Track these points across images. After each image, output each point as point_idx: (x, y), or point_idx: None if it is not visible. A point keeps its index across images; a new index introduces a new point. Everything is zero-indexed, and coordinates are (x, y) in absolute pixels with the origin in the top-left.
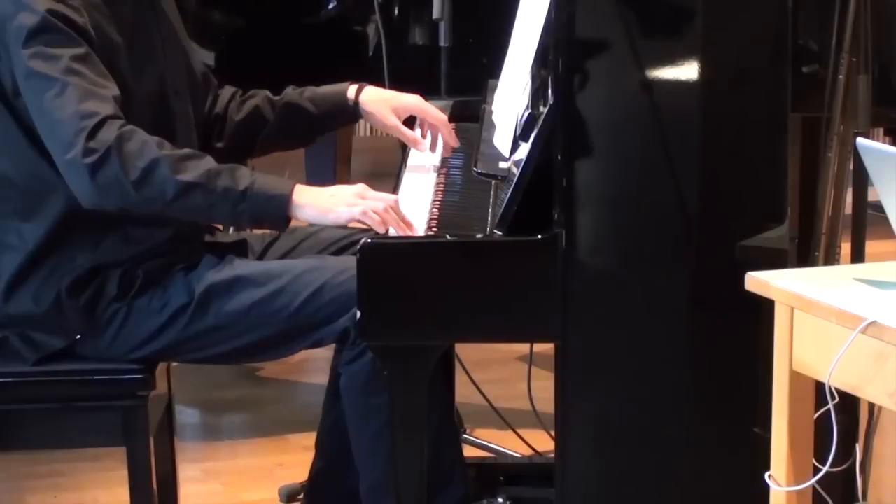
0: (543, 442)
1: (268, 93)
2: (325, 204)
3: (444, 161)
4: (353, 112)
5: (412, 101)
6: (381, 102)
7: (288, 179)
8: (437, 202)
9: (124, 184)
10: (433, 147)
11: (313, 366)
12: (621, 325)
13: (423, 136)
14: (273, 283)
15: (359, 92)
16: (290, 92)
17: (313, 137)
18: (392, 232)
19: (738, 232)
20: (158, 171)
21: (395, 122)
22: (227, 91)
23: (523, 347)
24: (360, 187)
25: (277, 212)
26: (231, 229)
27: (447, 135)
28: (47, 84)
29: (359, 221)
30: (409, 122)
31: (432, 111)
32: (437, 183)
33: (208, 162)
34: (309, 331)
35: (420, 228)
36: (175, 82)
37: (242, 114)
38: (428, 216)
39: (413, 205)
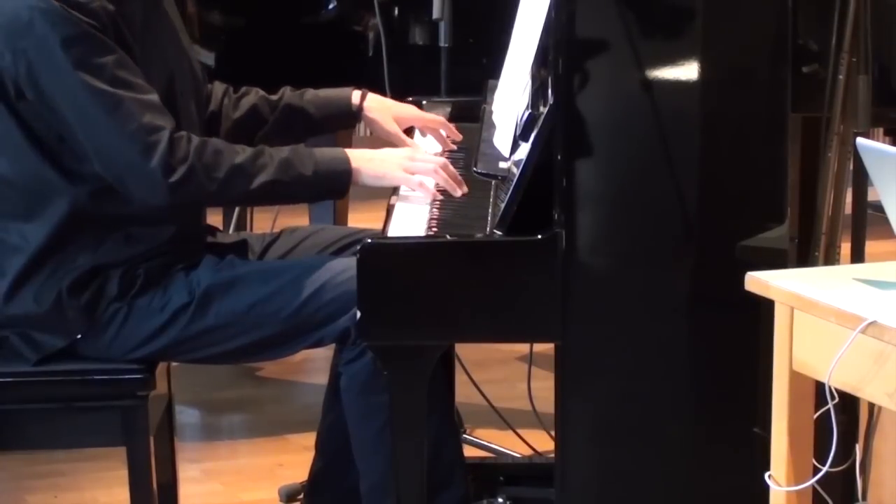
0: (543, 442)
1: (262, 91)
2: (378, 169)
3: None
4: (353, 117)
5: (412, 112)
6: (384, 110)
7: (339, 149)
8: (437, 202)
9: (203, 196)
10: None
11: (313, 366)
12: (621, 325)
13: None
14: (273, 283)
15: (363, 97)
16: (290, 93)
17: (307, 137)
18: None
19: (738, 232)
20: (236, 180)
21: (396, 130)
22: (219, 88)
23: (523, 347)
24: (409, 151)
25: (343, 185)
26: (231, 229)
27: (448, 133)
28: (101, 97)
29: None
30: (408, 132)
31: (430, 117)
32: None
33: (274, 155)
34: (309, 331)
35: (421, 228)
36: (180, 83)
37: (240, 112)
38: (428, 216)
39: (413, 205)
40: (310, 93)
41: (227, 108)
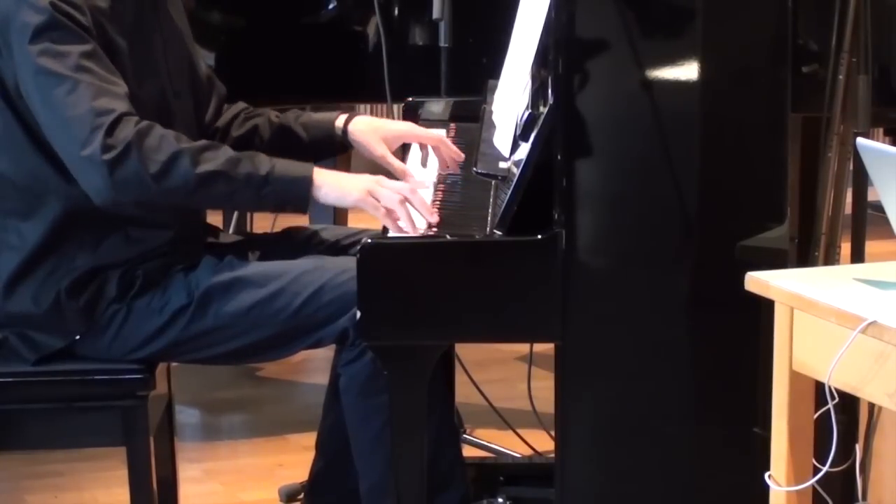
0: (543, 442)
1: (272, 113)
2: (344, 186)
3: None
4: (342, 142)
5: (403, 129)
6: (369, 132)
7: (306, 163)
8: (437, 202)
9: (144, 178)
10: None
11: (313, 366)
12: (621, 325)
13: (426, 157)
14: (273, 284)
15: (348, 121)
16: (289, 114)
17: (305, 161)
18: (404, 225)
19: (738, 232)
20: (179, 164)
21: (382, 153)
22: (237, 107)
23: (523, 347)
24: (378, 178)
25: (300, 194)
26: (231, 229)
27: (447, 152)
28: (57, 81)
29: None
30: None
31: (426, 134)
32: (437, 183)
33: (227, 151)
34: (309, 331)
35: (423, 227)
36: (176, 84)
37: (241, 130)
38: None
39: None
40: (305, 115)
41: (233, 127)
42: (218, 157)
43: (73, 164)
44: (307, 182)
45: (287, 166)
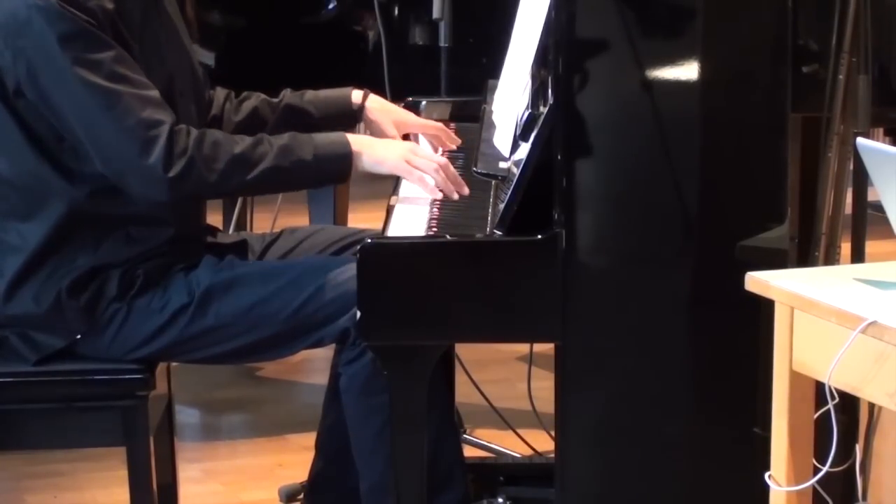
0: (543, 442)
1: (263, 95)
2: (378, 154)
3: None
4: (354, 116)
5: (412, 119)
6: (384, 112)
7: (338, 133)
8: (437, 202)
9: (204, 188)
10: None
11: (313, 366)
12: (621, 325)
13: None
14: (273, 284)
15: (364, 97)
16: (290, 94)
17: None
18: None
19: (738, 232)
20: (236, 170)
21: (394, 134)
22: (221, 93)
23: (523, 347)
24: (413, 145)
25: (345, 168)
26: (231, 229)
27: (447, 138)
28: (98, 93)
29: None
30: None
31: (430, 123)
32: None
33: (273, 143)
34: (309, 331)
35: (421, 228)
36: (179, 83)
37: (241, 115)
38: (428, 216)
39: (413, 205)
40: (310, 93)
41: (229, 113)
42: (269, 153)
43: (127, 177)
44: (349, 157)
45: (328, 144)
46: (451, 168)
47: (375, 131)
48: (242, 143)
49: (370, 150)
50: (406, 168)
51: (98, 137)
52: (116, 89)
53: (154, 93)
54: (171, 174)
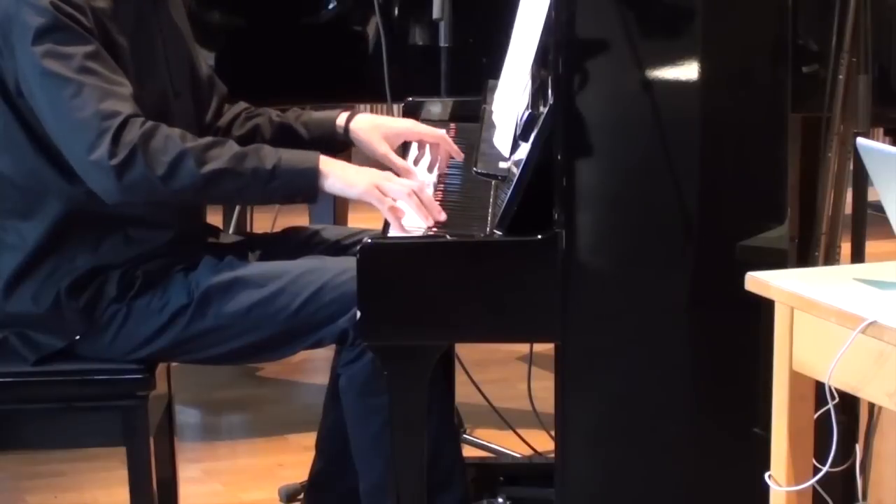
0: (543, 442)
1: (273, 113)
2: (349, 178)
3: None
4: (343, 140)
5: (405, 127)
6: (371, 130)
7: (311, 152)
8: (437, 202)
9: (152, 180)
10: (431, 168)
11: (313, 366)
12: (621, 325)
13: (421, 157)
14: (273, 284)
15: (349, 119)
16: (289, 113)
17: None
18: (411, 221)
19: (738, 232)
20: (185, 164)
21: (384, 151)
22: (238, 107)
23: (523, 347)
24: (387, 173)
25: (308, 184)
26: (231, 229)
27: (448, 151)
28: (62, 84)
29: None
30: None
31: (428, 131)
32: (437, 183)
33: (232, 147)
34: (308, 331)
35: (421, 228)
36: (176, 83)
37: (242, 130)
38: None
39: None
40: (306, 114)
41: (234, 127)
42: (223, 154)
43: (81, 168)
44: (314, 172)
45: (293, 158)
46: (426, 193)
47: (365, 150)
48: (195, 140)
49: (341, 173)
50: (377, 195)
51: (60, 129)
52: (80, 80)
53: (123, 88)
54: (114, 162)
